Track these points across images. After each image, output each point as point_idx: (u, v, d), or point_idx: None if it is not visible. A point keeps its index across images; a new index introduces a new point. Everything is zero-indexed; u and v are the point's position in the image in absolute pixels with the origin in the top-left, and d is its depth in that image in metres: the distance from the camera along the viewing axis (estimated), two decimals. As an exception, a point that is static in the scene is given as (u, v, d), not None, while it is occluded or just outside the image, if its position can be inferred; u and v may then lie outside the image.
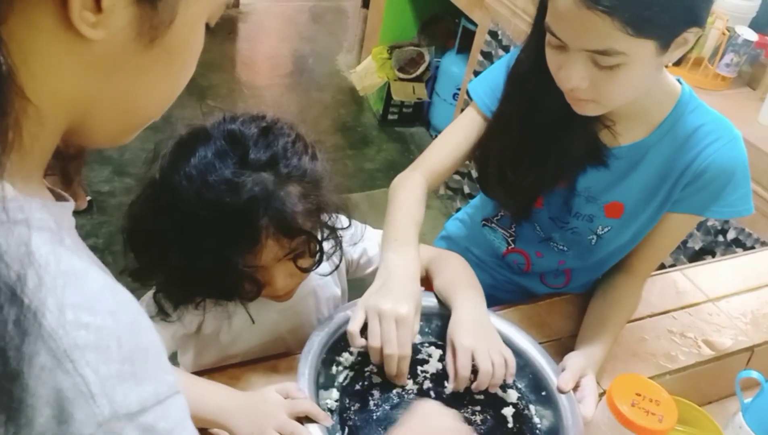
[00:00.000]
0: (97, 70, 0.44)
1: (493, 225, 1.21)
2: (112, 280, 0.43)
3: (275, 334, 1.02)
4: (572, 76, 0.87)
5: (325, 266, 0.97)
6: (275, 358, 0.98)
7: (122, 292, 0.43)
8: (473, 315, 0.93)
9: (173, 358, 1.04)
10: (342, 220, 0.98)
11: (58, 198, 0.49)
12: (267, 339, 1.02)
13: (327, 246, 0.94)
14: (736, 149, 0.99)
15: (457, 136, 1.10)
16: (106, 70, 0.44)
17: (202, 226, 0.80)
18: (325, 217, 0.91)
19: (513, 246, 1.20)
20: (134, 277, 0.90)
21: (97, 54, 0.43)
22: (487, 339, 0.90)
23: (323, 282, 1.06)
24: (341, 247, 0.98)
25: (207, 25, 0.49)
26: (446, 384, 0.92)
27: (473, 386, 0.89)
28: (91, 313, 0.39)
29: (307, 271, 0.92)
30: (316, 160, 0.87)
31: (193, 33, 0.48)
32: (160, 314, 0.91)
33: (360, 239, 1.05)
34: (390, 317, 0.85)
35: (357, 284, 1.17)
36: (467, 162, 1.13)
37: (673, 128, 1.00)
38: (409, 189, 1.05)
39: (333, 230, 0.94)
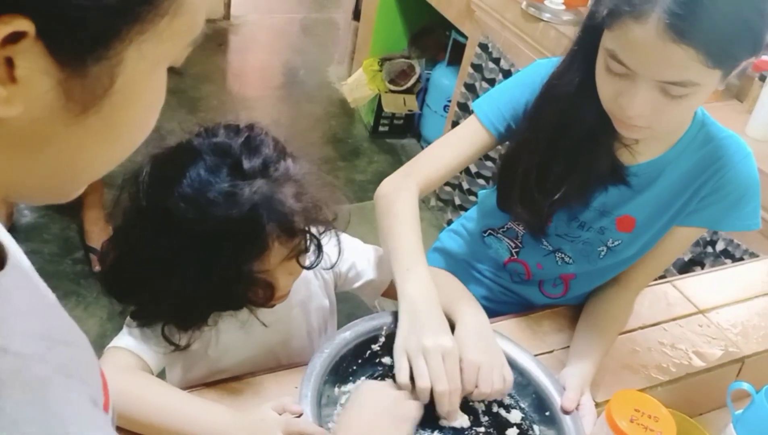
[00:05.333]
0: (19, 150, 0.37)
1: (498, 235, 1.21)
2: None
3: (265, 347, 1.02)
4: (635, 105, 0.86)
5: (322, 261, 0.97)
6: (264, 373, 0.98)
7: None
8: (480, 330, 0.93)
9: (161, 375, 1.02)
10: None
11: None
12: (257, 352, 1.01)
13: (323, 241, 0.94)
14: (750, 165, 1.03)
15: (454, 146, 1.09)
16: (31, 147, 0.38)
17: (209, 242, 0.80)
18: (319, 214, 0.90)
19: (515, 256, 1.20)
20: (135, 317, 0.89)
21: (15, 132, 0.36)
22: (494, 357, 0.91)
23: (311, 293, 1.06)
24: (339, 240, 0.99)
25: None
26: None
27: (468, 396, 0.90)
28: None
29: (309, 268, 0.93)
30: (295, 160, 0.88)
31: (146, 88, 0.41)
32: (170, 346, 0.90)
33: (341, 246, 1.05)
34: (436, 353, 0.85)
35: (348, 297, 1.16)
36: (459, 174, 1.14)
37: (690, 145, 1.02)
38: (406, 201, 1.03)
39: (326, 224, 0.93)
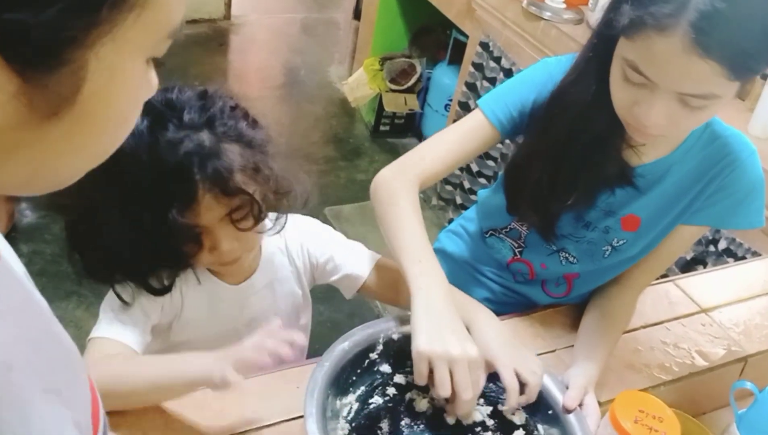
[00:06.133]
0: None
1: (501, 235, 1.20)
2: None
3: (230, 326, 1.03)
4: (652, 115, 0.85)
5: (267, 225, 0.96)
6: (268, 372, 0.97)
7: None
8: (500, 333, 0.93)
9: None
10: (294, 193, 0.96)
11: None
12: (220, 330, 1.02)
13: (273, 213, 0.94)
14: (756, 163, 1.02)
15: (456, 141, 1.07)
16: (1, 153, 0.37)
17: (144, 188, 0.82)
18: (268, 182, 0.89)
19: (519, 256, 1.19)
20: (88, 273, 0.91)
21: None
22: (523, 354, 0.91)
23: (281, 277, 1.06)
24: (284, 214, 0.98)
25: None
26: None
27: (523, 401, 0.89)
28: None
29: (245, 230, 0.90)
30: (257, 128, 0.89)
31: (119, 86, 0.39)
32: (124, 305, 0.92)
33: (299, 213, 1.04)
34: (463, 363, 0.83)
35: (327, 293, 1.16)
36: (459, 172, 1.13)
37: (696, 143, 1.01)
38: (409, 195, 1.01)
39: (279, 195, 0.92)
